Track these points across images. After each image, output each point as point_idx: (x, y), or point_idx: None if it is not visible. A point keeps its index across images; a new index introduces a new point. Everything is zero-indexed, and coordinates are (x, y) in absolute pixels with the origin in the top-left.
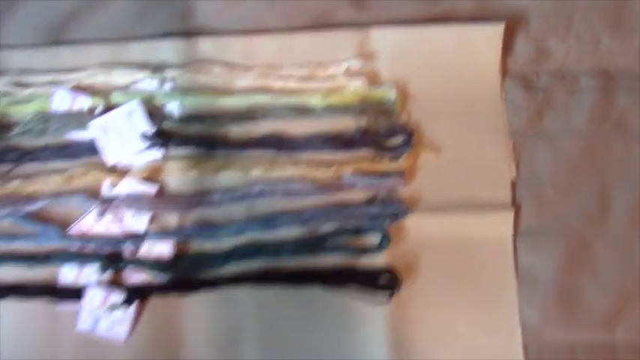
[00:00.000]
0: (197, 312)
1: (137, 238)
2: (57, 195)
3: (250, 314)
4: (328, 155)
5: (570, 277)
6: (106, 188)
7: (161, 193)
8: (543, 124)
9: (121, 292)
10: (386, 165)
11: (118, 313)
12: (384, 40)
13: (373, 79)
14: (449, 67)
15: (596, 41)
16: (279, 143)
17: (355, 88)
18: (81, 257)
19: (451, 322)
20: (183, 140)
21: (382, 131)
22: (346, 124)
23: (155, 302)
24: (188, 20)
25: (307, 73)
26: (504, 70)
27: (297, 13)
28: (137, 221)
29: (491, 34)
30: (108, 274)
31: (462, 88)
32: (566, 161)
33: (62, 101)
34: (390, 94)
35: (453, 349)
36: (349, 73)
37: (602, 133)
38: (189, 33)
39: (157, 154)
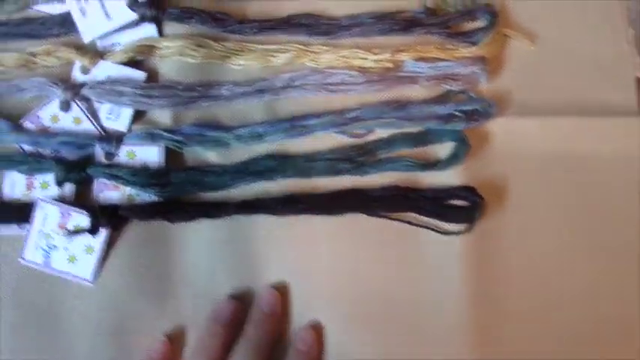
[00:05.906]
0: (195, 247)
1: (114, 140)
2: (11, 79)
3: (269, 251)
4: (380, 41)
5: None
6: (77, 72)
7: (151, 81)
8: None
9: (87, 213)
10: (461, 51)
11: (82, 243)
12: None
13: None
14: None
15: None
16: (314, 24)
17: None
18: (34, 162)
19: (554, 263)
20: (186, 13)
21: (455, 12)
22: (406, 2)
23: (136, 230)
24: None
25: None
26: None
27: None
28: (115, 117)
29: None
30: (69, 188)
31: None
32: None
33: None
34: None
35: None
36: None
37: None
38: None
39: (149, 30)
